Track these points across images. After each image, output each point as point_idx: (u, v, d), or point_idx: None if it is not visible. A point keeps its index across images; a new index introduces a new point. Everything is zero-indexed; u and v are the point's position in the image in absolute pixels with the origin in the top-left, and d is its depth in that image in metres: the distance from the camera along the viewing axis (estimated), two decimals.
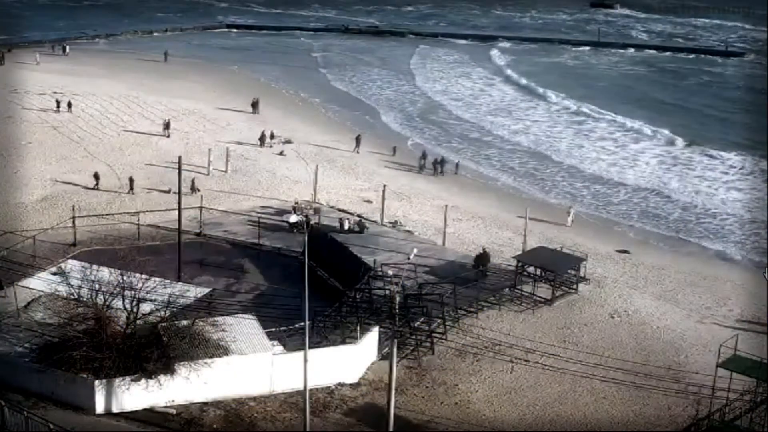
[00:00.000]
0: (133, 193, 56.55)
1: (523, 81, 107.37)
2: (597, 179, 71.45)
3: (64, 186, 57.78)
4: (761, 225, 61.65)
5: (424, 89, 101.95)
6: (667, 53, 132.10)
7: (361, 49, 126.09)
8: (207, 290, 41.08)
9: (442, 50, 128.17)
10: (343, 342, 37.89)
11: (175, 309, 35.36)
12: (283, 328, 37.36)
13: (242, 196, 57.61)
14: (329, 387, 36.41)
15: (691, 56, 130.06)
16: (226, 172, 61.98)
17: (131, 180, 57.35)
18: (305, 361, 31.37)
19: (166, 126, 70.27)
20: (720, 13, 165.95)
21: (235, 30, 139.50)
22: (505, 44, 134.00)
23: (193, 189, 57.04)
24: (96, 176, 57.89)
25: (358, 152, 71.15)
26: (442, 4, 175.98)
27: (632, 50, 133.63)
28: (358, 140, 72.18)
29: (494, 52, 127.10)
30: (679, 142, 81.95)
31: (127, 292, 34.12)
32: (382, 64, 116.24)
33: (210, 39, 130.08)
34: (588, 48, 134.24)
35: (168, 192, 55.62)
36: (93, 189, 57.06)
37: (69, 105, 75.16)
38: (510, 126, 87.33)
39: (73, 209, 50.26)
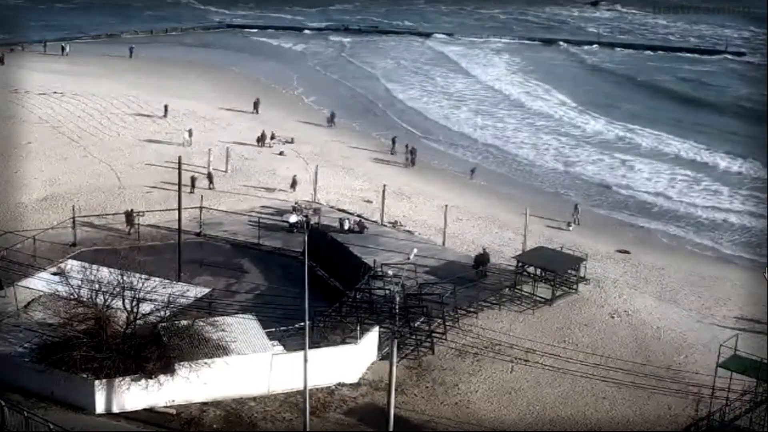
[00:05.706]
0: (192, 192, 55.64)
1: None
2: (595, 179, 71.64)
3: (157, 192, 56.80)
4: (761, 225, 61.65)
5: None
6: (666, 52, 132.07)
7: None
8: (207, 290, 41.06)
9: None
10: (343, 342, 37.92)
11: (175, 309, 35.34)
12: (283, 328, 37.38)
13: (242, 196, 57.61)
14: (329, 387, 36.44)
15: (692, 55, 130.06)
16: (226, 172, 61.94)
17: (192, 179, 57.05)
18: (305, 361, 31.38)
19: (189, 134, 68.59)
20: (720, 14, 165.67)
21: (243, 30, 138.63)
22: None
23: (294, 185, 58.78)
24: (192, 180, 56.87)
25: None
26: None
27: (631, 50, 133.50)
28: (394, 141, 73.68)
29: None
30: (678, 143, 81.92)
31: (127, 292, 34.10)
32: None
33: (210, 39, 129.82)
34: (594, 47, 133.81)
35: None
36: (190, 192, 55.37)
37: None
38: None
39: (73, 209, 50.23)
